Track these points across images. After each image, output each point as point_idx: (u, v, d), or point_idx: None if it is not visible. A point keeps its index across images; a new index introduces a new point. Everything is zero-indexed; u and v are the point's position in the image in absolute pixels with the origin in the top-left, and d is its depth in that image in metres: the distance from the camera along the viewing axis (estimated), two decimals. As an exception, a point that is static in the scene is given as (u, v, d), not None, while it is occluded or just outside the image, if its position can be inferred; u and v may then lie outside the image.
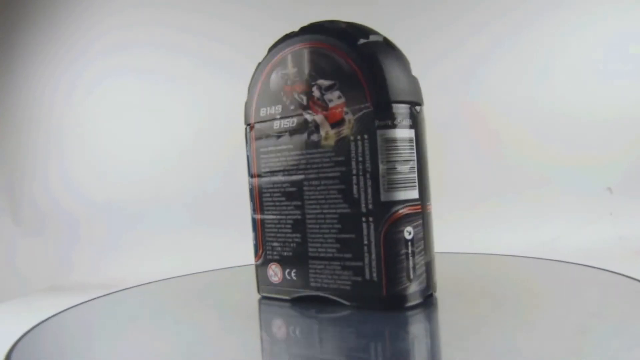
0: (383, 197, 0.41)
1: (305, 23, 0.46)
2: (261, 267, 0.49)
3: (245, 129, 0.49)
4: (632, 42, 1.18)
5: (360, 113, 0.41)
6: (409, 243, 0.42)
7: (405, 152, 0.42)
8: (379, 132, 0.41)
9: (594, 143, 1.16)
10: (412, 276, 0.42)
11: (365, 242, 0.42)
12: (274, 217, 0.47)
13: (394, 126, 0.41)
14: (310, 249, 0.45)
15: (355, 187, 0.42)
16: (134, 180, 1.49)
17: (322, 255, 0.44)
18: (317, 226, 0.44)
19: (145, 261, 1.32)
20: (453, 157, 1.24)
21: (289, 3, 1.33)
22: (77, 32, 1.61)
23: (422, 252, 0.42)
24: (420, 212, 0.43)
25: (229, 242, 1.16)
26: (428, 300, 0.43)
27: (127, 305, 0.55)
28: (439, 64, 1.29)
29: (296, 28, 0.46)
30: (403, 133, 0.42)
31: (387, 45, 0.43)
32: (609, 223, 1.08)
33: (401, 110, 0.42)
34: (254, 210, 0.49)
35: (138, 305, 0.55)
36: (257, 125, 0.48)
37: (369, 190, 0.41)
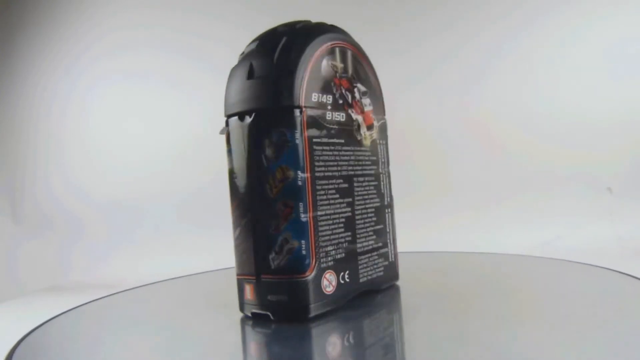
0: (392, 192, 0.50)
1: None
2: (313, 281, 0.40)
3: (271, 111, 0.41)
4: (632, 42, 1.18)
5: (381, 122, 0.49)
6: None
7: None
8: (388, 140, 0.50)
9: (594, 143, 1.16)
10: None
11: (388, 230, 0.49)
12: (327, 217, 0.42)
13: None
14: (359, 245, 0.45)
15: (382, 183, 0.49)
16: (134, 180, 1.49)
17: (366, 249, 0.46)
18: (362, 221, 0.46)
19: (145, 261, 1.32)
20: (453, 158, 1.24)
21: (290, 4, 1.33)
22: (77, 34, 1.61)
23: None
24: None
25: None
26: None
27: (127, 306, 0.55)
28: (440, 65, 1.29)
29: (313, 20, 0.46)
30: None
31: None
32: (609, 223, 1.08)
33: None
34: (304, 211, 0.40)
35: (138, 307, 0.54)
36: (309, 111, 0.41)
37: (388, 186, 0.49)
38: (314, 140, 0.41)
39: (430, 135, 1.25)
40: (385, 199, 0.49)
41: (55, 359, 0.39)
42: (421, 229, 1.03)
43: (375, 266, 0.47)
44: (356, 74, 0.46)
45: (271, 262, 0.40)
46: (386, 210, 0.49)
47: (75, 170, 1.56)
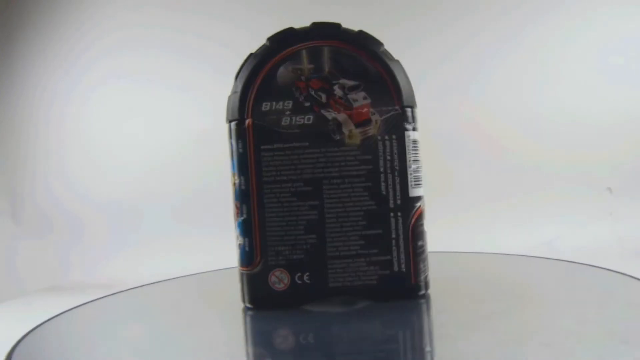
0: (410, 193, 0.46)
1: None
2: (259, 276, 0.45)
3: (234, 124, 0.46)
4: (633, 42, 1.18)
5: (388, 115, 0.45)
6: (425, 236, 0.47)
7: (419, 152, 0.47)
8: (406, 133, 0.46)
9: (594, 143, 1.16)
10: (427, 266, 0.47)
11: (394, 236, 0.45)
12: (279, 219, 0.45)
13: (415, 129, 0.47)
14: (330, 249, 0.44)
15: (383, 184, 0.45)
16: (134, 180, 1.49)
17: (343, 254, 0.44)
18: (339, 225, 0.44)
19: (145, 261, 1.32)
20: (453, 158, 1.24)
21: (291, 4, 1.33)
22: (77, 34, 1.60)
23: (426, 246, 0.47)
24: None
25: (232, 243, 1.16)
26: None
27: (127, 306, 0.55)
28: (439, 65, 1.29)
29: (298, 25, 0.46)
30: (418, 135, 0.47)
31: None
32: (609, 223, 1.08)
33: (416, 114, 0.47)
34: (248, 212, 0.45)
35: (138, 307, 0.55)
36: (257, 121, 0.45)
37: (398, 187, 0.45)
38: (263, 147, 0.44)
39: (428, 134, 1.25)
40: (391, 201, 0.45)
41: (55, 359, 0.39)
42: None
43: (360, 273, 0.45)
44: (340, 70, 0.45)
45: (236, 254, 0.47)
46: (391, 215, 0.45)
47: (75, 170, 1.56)
